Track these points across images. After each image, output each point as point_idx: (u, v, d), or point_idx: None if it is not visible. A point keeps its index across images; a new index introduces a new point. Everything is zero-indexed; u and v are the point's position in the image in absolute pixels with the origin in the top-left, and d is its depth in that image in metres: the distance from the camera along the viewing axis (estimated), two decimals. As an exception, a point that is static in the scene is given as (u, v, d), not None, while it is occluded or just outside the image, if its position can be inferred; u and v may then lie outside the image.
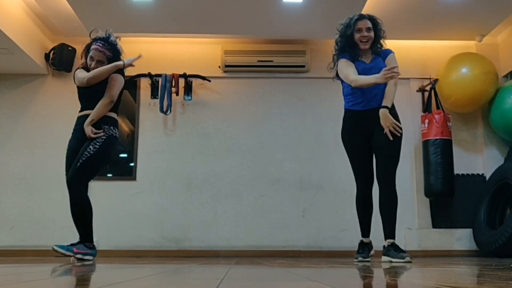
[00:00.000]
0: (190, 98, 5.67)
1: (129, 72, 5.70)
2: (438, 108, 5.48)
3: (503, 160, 5.50)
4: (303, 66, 5.73)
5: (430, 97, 5.56)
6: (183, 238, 5.43)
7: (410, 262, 3.18)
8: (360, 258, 3.51)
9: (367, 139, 3.52)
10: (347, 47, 3.49)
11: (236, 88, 5.82)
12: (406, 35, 5.67)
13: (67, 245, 3.55)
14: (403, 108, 5.81)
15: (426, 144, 5.35)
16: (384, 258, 3.42)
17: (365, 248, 3.58)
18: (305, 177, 5.59)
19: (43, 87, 5.74)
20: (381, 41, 3.55)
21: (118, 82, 3.62)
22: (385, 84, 3.43)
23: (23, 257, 4.70)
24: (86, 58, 3.67)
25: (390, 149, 3.43)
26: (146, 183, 5.56)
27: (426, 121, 5.36)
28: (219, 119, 5.73)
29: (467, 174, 5.62)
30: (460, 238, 5.43)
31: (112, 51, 3.64)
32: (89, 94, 3.61)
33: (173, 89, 5.63)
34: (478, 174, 5.62)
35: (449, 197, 5.32)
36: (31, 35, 5.27)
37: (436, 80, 5.54)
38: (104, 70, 3.52)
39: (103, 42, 3.63)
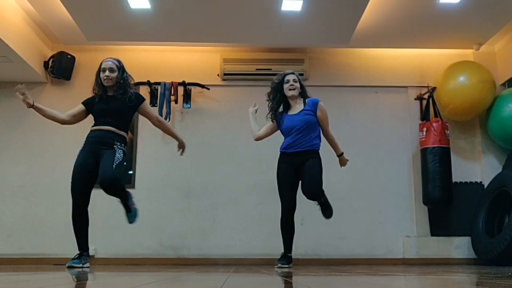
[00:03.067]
0: (189, 106, 5.68)
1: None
2: (436, 116, 5.49)
3: (501, 168, 5.51)
4: (302, 75, 5.70)
5: (428, 105, 5.57)
6: (181, 246, 5.42)
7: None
8: (279, 265, 3.99)
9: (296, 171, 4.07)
10: (277, 98, 4.12)
11: (235, 96, 5.83)
12: (404, 44, 5.70)
13: None
14: (401, 116, 5.85)
15: (424, 152, 5.36)
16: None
17: (285, 258, 4.06)
18: (304, 185, 5.58)
19: (42, 95, 5.74)
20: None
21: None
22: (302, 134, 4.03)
23: (21, 265, 4.68)
24: (96, 84, 3.93)
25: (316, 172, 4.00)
26: (145, 191, 5.55)
27: (424, 129, 5.37)
28: (217, 127, 5.74)
29: (465, 182, 5.62)
30: (459, 246, 5.42)
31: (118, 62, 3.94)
32: (108, 112, 3.83)
33: (172, 97, 5.64)
34: (476, 182, 5.63)
35: (447, 205, 5.32)
36: (31, 43, 5.29)
37: (434, 88, 5.56)
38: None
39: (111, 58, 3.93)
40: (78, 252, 3.78)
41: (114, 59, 3.91)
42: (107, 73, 3.81)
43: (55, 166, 5.57)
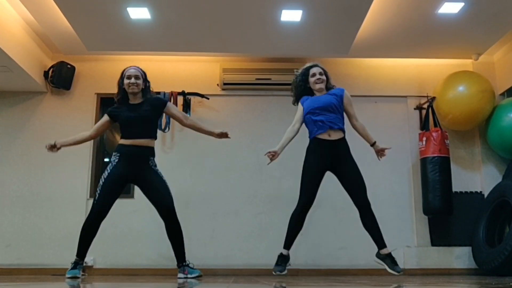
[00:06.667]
0: (188, 115, 5.68)
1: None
2: (435, 126, 5.50)
3: (501, 178, 5.50)
4: (301, 84, 5.74)
5: (427, 115, 5.58)
6: (180, 256, 5.38)
7: (400, 273, 3.75)
8: (278, 272, 3.86)
9: (328, 168, 3.92)
10: (301, 89, 4.05)
11: (235, 106, 5.83)
12: (404, 54, 5.72)
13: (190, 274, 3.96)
14: (401, 126, 5.85)
15: (424, 161, 5.35)
16: (379, 261, 3.89)
17: (283, 261, 3.90)
18: (303, 194, 5.56)
19: (41, 104, 5.75)
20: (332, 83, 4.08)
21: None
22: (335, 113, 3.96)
23: (19, 276, 4.65)
24: (119, 89, 3.93)
25: (360, 178, 3.91)
26: (144, 201, 5.48)
27: (424, 138, 5.37)
28: (217, 136, 5.73)
29: (465, 192, 5.61)
30: (459, 256, 5.40)
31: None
32: (138, 121, 3.84)
33: (172, 107, 5.63)
34: (476, 192, 5.62)
35: (447, 214, 5.30)
36: (31, 53, 5.30)
37: (433, 98, 5.57)
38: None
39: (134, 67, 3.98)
40: (75, 260, 3.77)
41: (137, 67, 3.95)
42: (133, 80, 3.85)
43: (55, 177, 5.56)
